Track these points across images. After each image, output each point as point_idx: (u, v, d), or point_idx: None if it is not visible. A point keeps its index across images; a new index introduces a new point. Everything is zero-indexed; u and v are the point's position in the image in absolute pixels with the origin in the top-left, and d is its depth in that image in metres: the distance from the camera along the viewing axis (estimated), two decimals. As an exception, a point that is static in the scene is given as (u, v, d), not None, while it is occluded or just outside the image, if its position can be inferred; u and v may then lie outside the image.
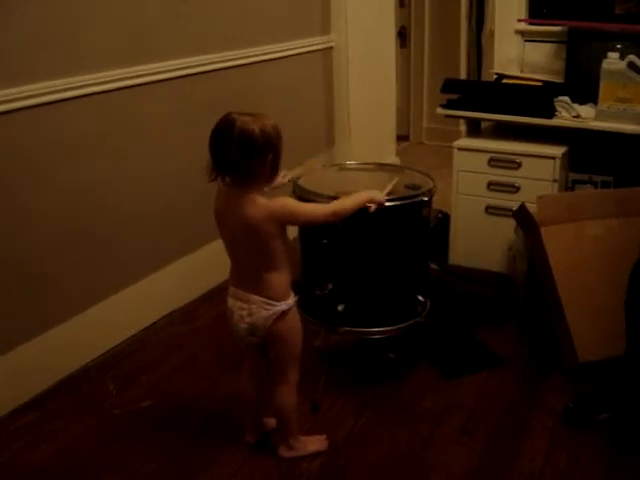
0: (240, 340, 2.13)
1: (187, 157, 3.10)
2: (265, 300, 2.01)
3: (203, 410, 2.52)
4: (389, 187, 2.37)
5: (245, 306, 2.03)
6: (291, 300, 2.07)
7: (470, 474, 2.18)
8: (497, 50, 3.65)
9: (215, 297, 3.30)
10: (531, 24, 3.48)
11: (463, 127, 4.62)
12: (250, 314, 2.03)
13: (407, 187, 2.49)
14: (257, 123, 1.87)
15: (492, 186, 3.13)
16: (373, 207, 2.19)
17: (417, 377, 2.67)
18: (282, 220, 1.97)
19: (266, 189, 1.97)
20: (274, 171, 1.95)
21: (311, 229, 2.46)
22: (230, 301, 2.09)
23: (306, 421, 2.38)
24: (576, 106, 3.01)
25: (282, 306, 2.03)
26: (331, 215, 2.06)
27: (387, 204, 2.30)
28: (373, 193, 2.20)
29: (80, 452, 2.30)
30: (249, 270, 2.02)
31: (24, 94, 2.39)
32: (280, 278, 2.02)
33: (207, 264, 3.30)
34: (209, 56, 3.19)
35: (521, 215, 2.86)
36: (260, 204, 1.92)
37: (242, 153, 1.86)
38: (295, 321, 2.10)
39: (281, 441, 2.26)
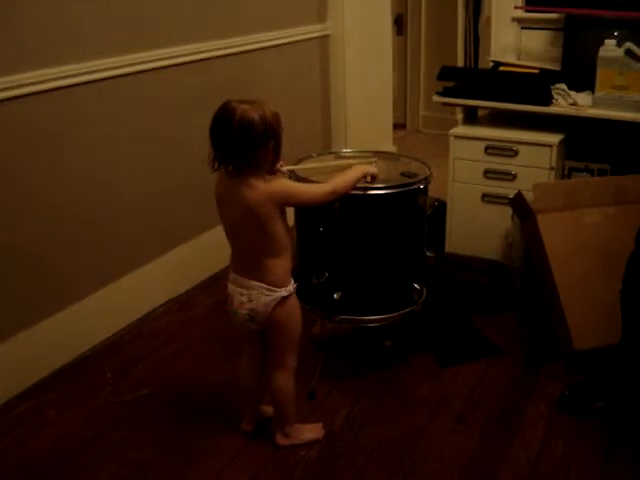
0: (239, 326, 2.14)
1: (183, 145, 3.10)
2: (265, 286, 2.01)
3: (200, 398, 2.52)
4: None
5: (245, 292, 2.04)
6: (291, 286, 2.07)
7: (466, 461, 2.19)
8: (494, 38, 3.63)
9: (212, 285, 3.31)
10: (528, 11, 3.46)
11: (460, 115, 4.62)
12: (250, 300, 2.03)
13: (403, 175, 2.48)
14: (257, 111, 1.87)
15: (489, 174, 3.12)
16: (368, 178, 2.23)
17: (414, 365, 2.68)
18: (281, 201, 1.97)
19: (268, 175, 1.97)
20: (276, 157, 1.96)
21: (307, 217, 2.46)
22: (230, 287, 2.09)
23: (302, 409, 2.38)
24: (573, 94, 3.00)
25: (282, 292, 2.03)
26: (330, 194, 2.07)
27: (383, 192, 2.31)
28: (365, 166, 2.24)
29: (77, 440, 2.31)
30: (249, 256, 2.02)
31: (24, 81, 2.39)
32: (280, 264, 2.02)
33: (204, 253, 3.30)
34: (205, 44, 3.17)
35: (517, 203, 2.86)
36: (259, 187, 1.92)
37: (243, 141, 1.86)
38: (295, 307, 2.11)
39: (278, 429, 2.26)
